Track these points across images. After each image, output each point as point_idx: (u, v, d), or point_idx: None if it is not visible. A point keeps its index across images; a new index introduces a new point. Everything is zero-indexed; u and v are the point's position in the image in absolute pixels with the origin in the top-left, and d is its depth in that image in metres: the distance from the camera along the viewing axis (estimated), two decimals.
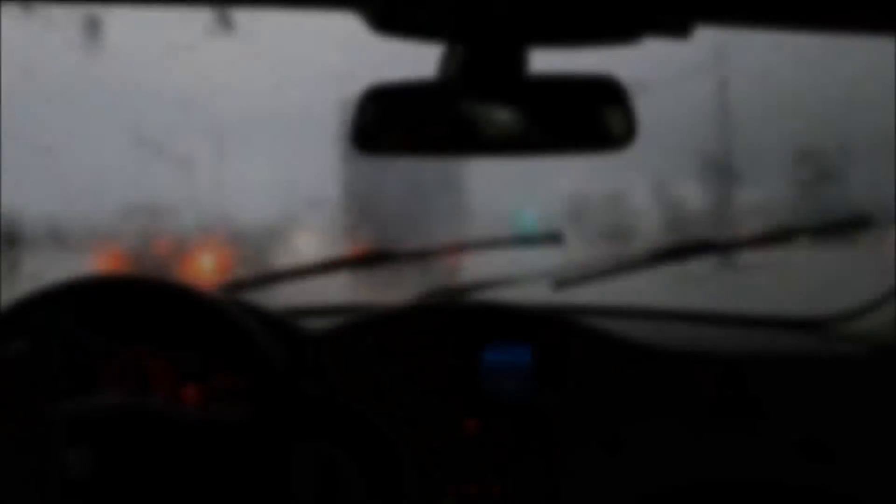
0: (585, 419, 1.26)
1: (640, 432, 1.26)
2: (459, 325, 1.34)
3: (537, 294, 1.71)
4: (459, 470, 1.23)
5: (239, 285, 1.55)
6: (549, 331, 1.33)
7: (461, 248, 1.72)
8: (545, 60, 1.05)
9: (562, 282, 1.57)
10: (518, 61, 1.03)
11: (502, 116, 1.16)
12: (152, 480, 0.92)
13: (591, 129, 1.10)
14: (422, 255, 1.72)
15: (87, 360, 1.28)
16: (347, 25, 0.95)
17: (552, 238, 1.68)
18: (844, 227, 1.65)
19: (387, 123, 1.16)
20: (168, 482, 0.93)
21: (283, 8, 0.93)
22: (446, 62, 1.09)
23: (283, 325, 1.27)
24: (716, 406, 1.27)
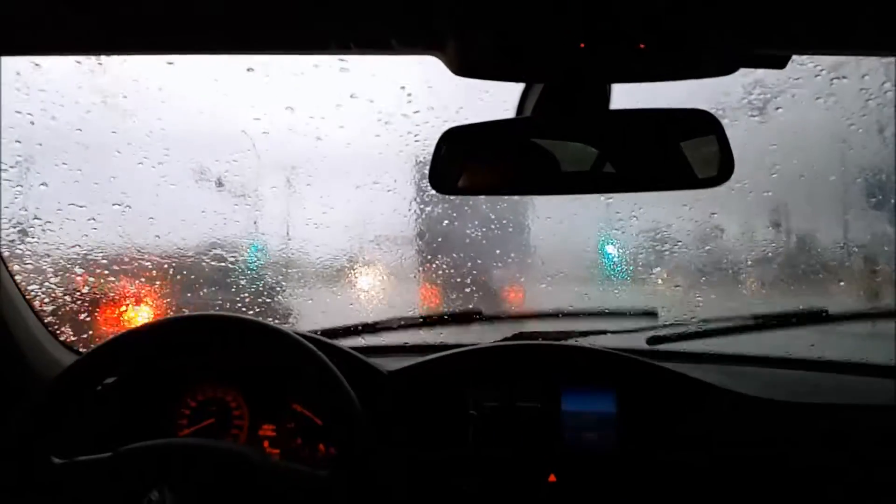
0: (673, 472, 1.16)
1: (732, 483, 1.15)
2: (536, 368, 1.28)
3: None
4: None
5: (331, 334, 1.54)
6: (636, 377, 1.25)
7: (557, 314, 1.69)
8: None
9: (654, 340, 1.49)
10: (600, 96, 1.00)
11: (582, 152, 1.13)
12: None
13: (680, 167, 1.03)
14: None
15: (170, 398, 1.32)
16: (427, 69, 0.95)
17: (646, 314, 1.64)
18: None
19: (463, 162, 1.16)
20: None
21: (366, 54, 0.95)
22: (524, 100, 1.08)
23: (360, 364, 1.26)
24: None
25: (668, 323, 1.58)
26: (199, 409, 1.32)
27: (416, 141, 1.80)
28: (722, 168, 0.99)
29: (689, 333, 1.51)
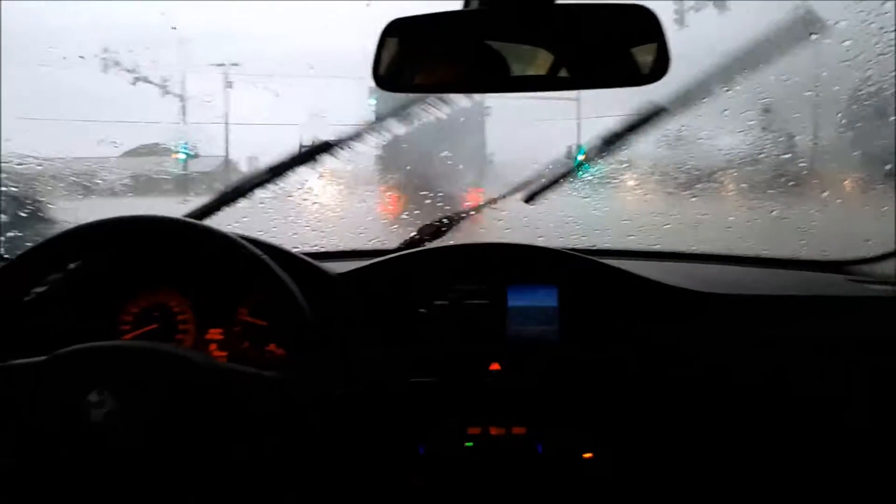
0: (613, 362, 1.24)
1: (668, 374, 1.24)
2: (483, 267, 1.31)
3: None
4: (484, 412, 1.24)
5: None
6: (577, 272, 1.30)
7: None
8: None
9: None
10: None
11: (529, 49, 1.10)
12: (172, 427, 0.91)
13: (622, 63, 1.05)
14: None
15: (111, 304, 1.29)
16: None
17: None
18: None
19: (409, 58, 1.11)
20: (187, 430, 0.92)
21: None
22: None
23: (309, 267, 1.26)
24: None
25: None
26: (142, 315, 1.31)
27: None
28: (661, 64, 1.02)
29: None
